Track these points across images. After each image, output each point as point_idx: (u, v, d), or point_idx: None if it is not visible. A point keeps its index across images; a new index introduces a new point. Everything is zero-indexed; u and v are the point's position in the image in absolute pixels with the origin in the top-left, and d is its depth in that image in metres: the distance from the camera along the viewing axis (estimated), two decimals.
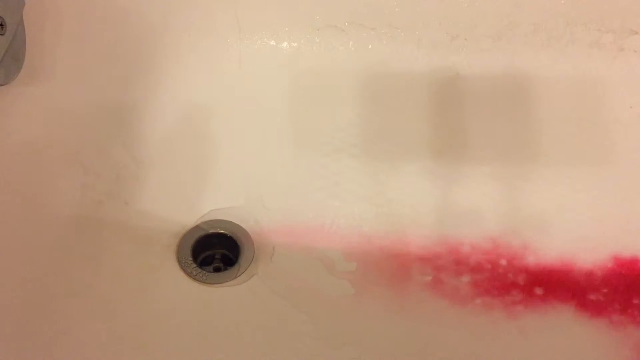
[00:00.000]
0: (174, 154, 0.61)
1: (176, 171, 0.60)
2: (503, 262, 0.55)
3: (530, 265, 0.55)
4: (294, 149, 0.62)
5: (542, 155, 0.62)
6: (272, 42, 0.66)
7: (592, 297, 0.53)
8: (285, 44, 0.66)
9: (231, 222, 0.57)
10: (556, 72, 0.65)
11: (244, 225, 0.57)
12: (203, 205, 0.58)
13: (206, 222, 0.57)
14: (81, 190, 0.55)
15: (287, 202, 0.58)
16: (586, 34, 0.65)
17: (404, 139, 0.63)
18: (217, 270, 0.56)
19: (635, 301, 0.53)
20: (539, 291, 0.53)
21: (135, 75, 0.61)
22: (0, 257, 0.46)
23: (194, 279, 0.53)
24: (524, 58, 0.65)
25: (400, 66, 0.66)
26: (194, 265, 0.54)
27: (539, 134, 0.63)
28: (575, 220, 0.58)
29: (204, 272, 0.54)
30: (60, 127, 0.54)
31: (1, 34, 0.46)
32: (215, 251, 0.57)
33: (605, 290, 0.54)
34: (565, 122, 0.64)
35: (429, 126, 0.64)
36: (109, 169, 0.57)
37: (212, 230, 0.57)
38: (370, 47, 0.66)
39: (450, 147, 0.63)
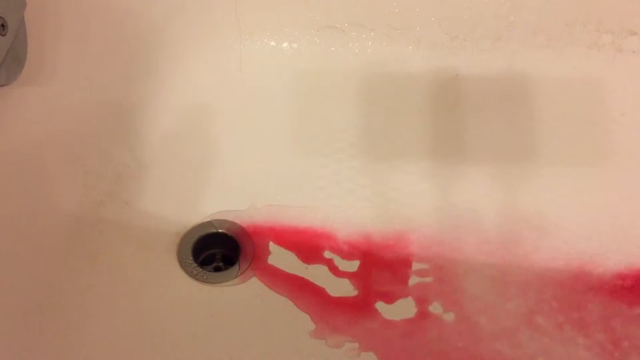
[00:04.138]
0: (174, 154, 0.61)
1: (177, 171, 0.60)
2: (503, 261, 0.55)
3: (530, 265, 0.55)
4: (294, 149, 0.62)
5: (541, 155, 0.62)
6: (273, 43, 0.66)
7: (593, 297, 0.53)
8: (285, 44, 0.66)
9: (231, 221, 0.57)
10: (555, 72, 0.65)
11: (244, 225, 0.57)
12: (203, 205, 0.58)
13: (207, 222, 0.57)
14: (82, 190, 0.55)
15: (287, 202, 0.58)
16: (585, 35, 0.65)
17: (404, 139, 0.63)
18: (217, 269, 0.56)
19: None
20: (539, 290, 0.53)
21: (136, 75, 0.61)
22: (0, 257, 0.47)
23: (195, 278, 0.53)
24: (523, 59, 0.66)
25: (400, 67, 0.66)
26: (195, 264, 0.54)
27: (539, 134, 0.63)
28: (574, 221, 0.58)
29: (205, 271, 0.54)
30: (62, 127, 0.54)
31: (2, 35, 0.46)
32: (216, 251, 0.57)
33: (605, 291, 0.54)
34: (564, 122, 0.64)
35: (428, 126, 0.64)
36: (109, 169, 0.57)
37: (212, 230, 0.57)
38: (370, 47, 0.66)
39: (450, 147, 0.63)
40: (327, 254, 0.56)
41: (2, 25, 0.46)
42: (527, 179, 0.60)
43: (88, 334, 0.49)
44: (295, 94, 0.65)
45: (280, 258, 0.55)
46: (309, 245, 0.56)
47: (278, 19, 0.66)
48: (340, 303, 0.53)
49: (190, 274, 0.54)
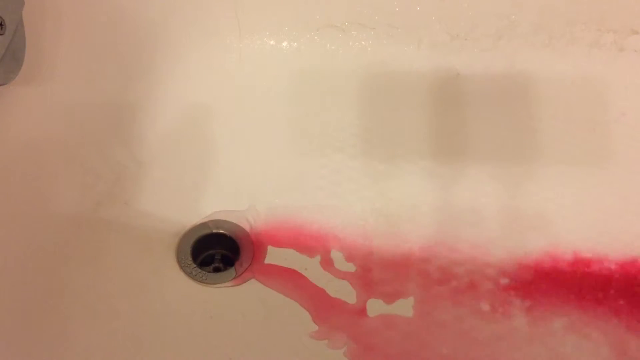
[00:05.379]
0: (173, 154, 0.60)
1: (176, 171, 0.60)
2: (503, 262, 0.55)
3: (530, 265, 0.55)
4: (294, 149, 0.62)
5: (542, 155, 0.62)
6: (272, 42, 0.66)
7: (593, 295, 0.53)
8: (285, 43, 0.66)
9: (231, 222, 0.57)
10: (556, 72, 0.65)
11: (243, 225, 0.57)
12: (203, 205, 0.58)
13: (206, 222, 0.57)
14: (81, 191, 0.55)
15: (287, 202, 0.58)
16: (586, 34, 0.64)
17: (404, 139, 0.63)
18: (216, 270, 0.55)
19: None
20: (539, 291, 0.53)
21: (135, 75, 0.61)
22: (0, 257, 0.46)
23: (194, 279, 0.53)
24: (524, 58, 0.65)
25: (400, 66, 0.66)
26: (194, 265, 0.54)
27: (539, 134, 0.63)
28: (576, 221, 0.58)
29: (204, 272, 0.54)
30: (60, 127, 0.54)
31: (0, 34, 0.46)
32: (215, 251, 0.57)
33: (605, 290, 0.54)
34: (565, 122, 0.63)
35: (429, 126, 0.64)
36: (108, 169, 0.57)
37: (211, 231, 0.57)
38: (370, 47, 0.66)
39: (451, 147, 0.63)
40: (327, 255, 0.55)
41: (0, 24, 0.46)
42: (527, 178, 0.60)
43: (87, 334, 0.49)
44: (295, 93, 0.65)
45: (280, 258, 0.55)
46: (308, 246, 0.56)
47: (278, 18, 0.66)
48: (340, 303, 0.53)
49: (190, 274, 0.53)
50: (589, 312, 0.52)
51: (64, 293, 0.50)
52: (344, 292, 0.53)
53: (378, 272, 0.55)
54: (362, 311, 0.52)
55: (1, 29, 0.46)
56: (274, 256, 0.55)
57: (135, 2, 0.60)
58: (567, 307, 0.52)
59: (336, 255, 0.55)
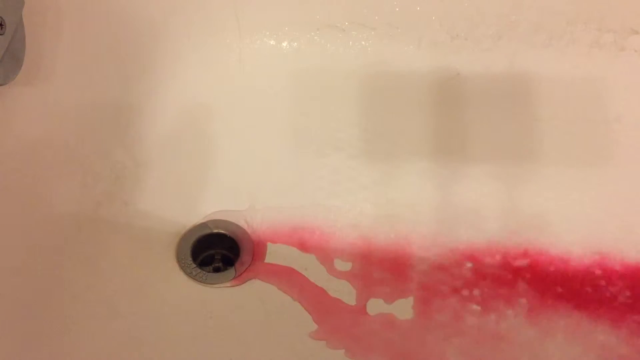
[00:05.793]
0: (173, 154, 0.60)
1: (176, 171, 0.60)
2: (504, 262, 0.55)
3: (530, 265, 0.55)
4: (293, 149, 0.62)
5: (542, 155, 0.62)
6: (272, 42, 0.66)
7: (592, 297, 0.53)
8: (285, 43, 0.66)
9: (231, 222, 0.57)
10: (556, 71, 0.65)
11: (243, 225, 0.57)
12: (202, 206, 0.58)
13: (206, 222, 0.57)
14: (80, 191, 0.55)
15: (287, 202, 0.58)
16: (587, 34, 0.64)
17: (404, 138, 0.63)
18: (216, 270, 0.55)
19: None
20: (540, 291, 0.53)
21: (135, 75, 0.61)
22: (0, 257, 0.46)
23: (194, 279, 0.53)
24: (525, 58, 0.65)
25: (400, 66, 0.66)
26: (194, 265, 0.54)
27: (539, 134, 0.63)
28: (575, 221, 0.58)
29: (204, 272, 0.54)
30: (60, 127, 0.54)
31: (1, 34, 0.46)
32: (215, 251, 0.57)
33: (606, 290, 0.54)
34: (565, 122, 0.63)
35: (429, 126, 0.64)
36: (108, 169, 0.57)
37: (211, 231, 0.57)
38: (370, 47, 0.66)
39: (451, 147, 0.62)
40: (327, 255, 0.55)
41: (0, 24, 0.45)
42: (528, 178, 0.60)
43: (87, 334, 0.49)
44: (295, 93, 0.65)
45: (280, 258, 0.55)
46: (308, 246, 0.56)
47: (278, 18, 0.65)
48: (340, 303, 0.53)
49: (190, 274, 0.53)
50: (590, 312, 0.52)
51: (64, 293, 0.50)
52: (344, 292, 0.53)
53: (378, 272, 0.54)
54: (362, 311, 0.52)
55: (1, 29, 0.46)
56: (274, 256, 0.55)
57: (135, 2, 0.60)
58: (567, 307, 0.52)
59: (336, 255, 0.55)
